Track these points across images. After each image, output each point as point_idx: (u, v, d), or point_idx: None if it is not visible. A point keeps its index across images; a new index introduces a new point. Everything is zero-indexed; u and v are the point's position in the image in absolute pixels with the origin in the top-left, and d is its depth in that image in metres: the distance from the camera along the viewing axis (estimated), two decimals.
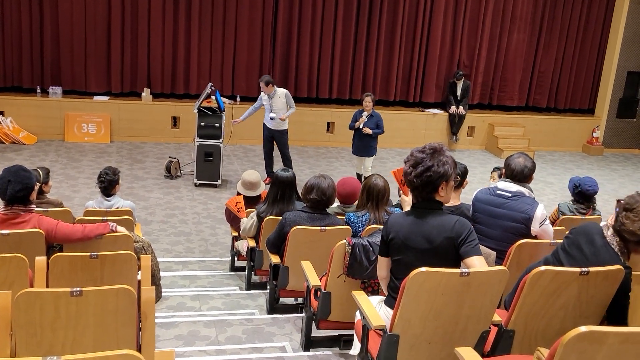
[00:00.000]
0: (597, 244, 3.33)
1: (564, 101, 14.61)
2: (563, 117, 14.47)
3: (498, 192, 4.67)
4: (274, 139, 9.98)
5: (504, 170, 4.85)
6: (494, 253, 4.35)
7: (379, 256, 3.59)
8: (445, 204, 4.70)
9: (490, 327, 3.38)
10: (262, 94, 9.81)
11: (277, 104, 9.69)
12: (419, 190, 3.32)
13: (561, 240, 3.59)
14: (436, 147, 3.31)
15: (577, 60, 14.41)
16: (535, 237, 4.51)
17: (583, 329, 2.44)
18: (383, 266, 3.55)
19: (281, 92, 9.77)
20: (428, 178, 3.25)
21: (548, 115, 14.44)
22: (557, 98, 14.59)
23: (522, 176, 4.66)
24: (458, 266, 3.26)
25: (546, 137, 14.12)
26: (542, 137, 14.03)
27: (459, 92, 13.30)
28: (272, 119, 9.73)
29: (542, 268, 3.23)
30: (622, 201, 3.26)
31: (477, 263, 3.20)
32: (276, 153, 10.14)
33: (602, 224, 3.46)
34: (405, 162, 3.37)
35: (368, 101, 9.41)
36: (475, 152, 13.55)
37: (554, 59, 14.22)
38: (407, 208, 4.22)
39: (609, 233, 3.33)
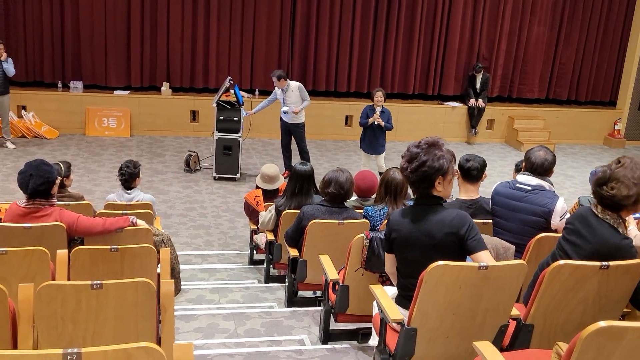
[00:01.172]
0: (592, 223, 3.38)
1: (585, 93, 14.45)
2: (584, 110, 14.32)
3: (518, 185, 4.64)
4: (291, 133, 10.00)
5: (524, 163, 4.82)
6: (513, 247, 4.32)
7: (385, 252, 3.60)
8: (464, 198, 4.71)
9: (508, 321, 3.37)
10: (276, 88, 9.83)
11: (291, 98, 9.70)
12: (415, 185, 3.32)
13: None
14: (432, 142, 3.28)
15: (599, 51, 14.23)
16: (555, 231, 4.48)
17: (602, 324, 2.43)
18: (389, 262, 3.58)
19: (294, 85, 9.78)
20: (423, 173, 3.23)
21: (569, 108, 14.30)
22: (578, 90, 14.44)
23: (542, 169, 4.63)
24: (462, 260, 3.25)
25: (567, 130, 13.98)
26: (562, 129, 13.89)
27: (478, 85, 13.21)
28: (285, 112, 9.74)
29: (561, 262, 3.21)
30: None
31: (484, 258, 3.19)
32: (294, 147, 10.16)
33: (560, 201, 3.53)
34: (402, 157, 3.36)
35: (380, 96, 9.19)
36: (495, 145, 13.46)
37: (574, 50, 14.06)
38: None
39: (598, 210, 3.38)
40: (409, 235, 3.32)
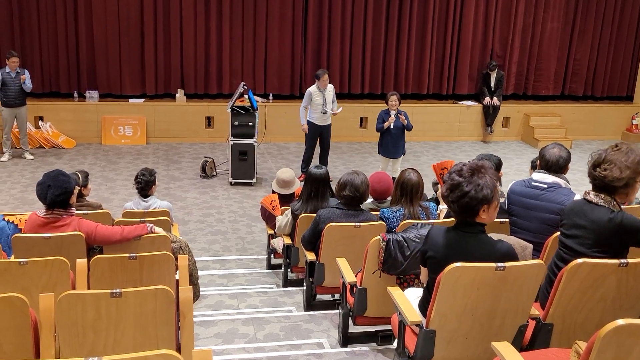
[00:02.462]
0: (588, 212, 3.43)
1: (601, 89, 14.33)
2: (601, 105, 14.22)
3: (533, 183, 4.61)
4: (321, 135, 10.00)
5: (538, 161, 4.79)
6: (531, 246, 4.30)
7: (421, 265, 3.54)
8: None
9: (528, 321, 3.36)
10: (310, 90, 9.79)
11: (329, 98, 9.77)
12: (457, 213, 3.21)
13: None
14: (475, 168, 3.12)
15: (614, 46, 14.11)
16: None
17: (620, 322, 2.41)
18: (423, 274, 3.51)
19: (330, 86, 9.86)
20: (466, 204, 3.10)
21: (585, 104, 14.20)
22: (594, 86, 14.32)
23: (557, 167, 4.60)
24: None
25: (584, 126, 13.87)
26: (579, 126, 13.79)
27: (492, 83, 13.14)
28: (325, 112, 9.74)
29: (579, 260, 3.20)
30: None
31: None
32: (315, 150, 10.17)
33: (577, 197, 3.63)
34: (443, 182, 3.24)
35: (394, 100, 9.17)
36: (511, 143, 13.39)
37: (589, 45, 13.95)
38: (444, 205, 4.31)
39: (591, 196, 3.44)
40: (445, 259, 3.20)
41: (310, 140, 10.09)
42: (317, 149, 10.19)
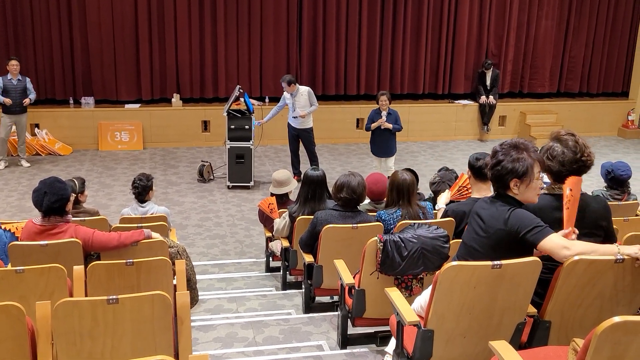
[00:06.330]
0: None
1: (596, 85, 14.36)
2: (596, 102, 14.23)
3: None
4: (300, 138, 10.04)
5: None
6: None
7: None
8: (477, 197, 4.68)
9: (525, 319, 3.36)
10: (285, 93, 9.87)
11: (300, 102, 9.76)
12: (492, 183, 3.39)
13: None
14: (515, 143, 3.30)
15: (609, 42, 14.15)
16: None
17: (616, 319, 2.41)
18: None
19: (304, 89, 9.85)
20: (497, 172, 3.28)
21: (581, 101, 14.21)
22: (590, 82, 14.35)
23: None
24: (517, 256, 3.21)
25: (580, 123, 13.83)
26: (575, 123, 13.74)
27: (488, 82, 13.16)
28: (295, 117, 9.78)
29: (576, 257, 3.19)
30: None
31: (548, 245, 3.15)
32: (302, 152, 10.19)
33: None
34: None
35: (384, 100, 9.12)
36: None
37: (584, 43, 13.98)
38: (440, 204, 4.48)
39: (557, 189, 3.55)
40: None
41: (289, 143, 10.25)
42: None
